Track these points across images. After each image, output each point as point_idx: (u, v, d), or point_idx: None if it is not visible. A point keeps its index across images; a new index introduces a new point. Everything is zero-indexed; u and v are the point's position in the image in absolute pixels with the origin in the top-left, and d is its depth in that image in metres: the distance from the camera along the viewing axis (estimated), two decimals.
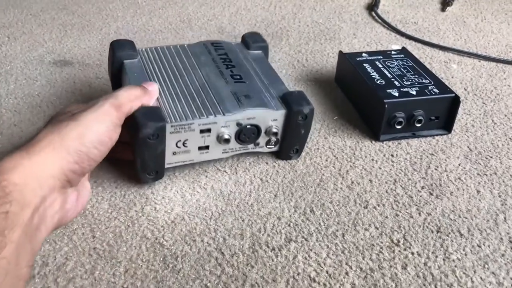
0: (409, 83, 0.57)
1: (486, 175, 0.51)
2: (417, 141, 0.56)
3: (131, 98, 0.43)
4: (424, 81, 0.57)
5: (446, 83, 0.68)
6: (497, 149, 0.55)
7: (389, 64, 0.61)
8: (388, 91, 0.55)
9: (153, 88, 0.47)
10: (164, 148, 0.45)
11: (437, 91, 0.56)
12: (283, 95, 0.49)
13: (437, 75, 0.60)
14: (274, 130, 0.48)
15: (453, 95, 0.55)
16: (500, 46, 0.79)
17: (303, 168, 0.51)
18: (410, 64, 0.61)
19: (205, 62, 0.53)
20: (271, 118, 0.48)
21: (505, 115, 0.61)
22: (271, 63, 0.58)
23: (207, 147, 0.47)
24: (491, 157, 0.54)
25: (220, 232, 0.43)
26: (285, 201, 0.47)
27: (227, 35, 0.79)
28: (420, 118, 0.55)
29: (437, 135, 0.57)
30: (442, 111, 0.56)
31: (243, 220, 0.45)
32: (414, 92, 0.55)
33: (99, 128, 0.39)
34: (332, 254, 0.42)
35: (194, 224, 0.44)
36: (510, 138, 0.57)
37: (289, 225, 0.44)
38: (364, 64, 0.61)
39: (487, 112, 0.62)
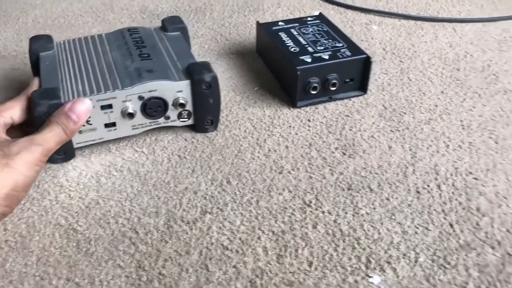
0: (322, 48, 0.58)
1: (399, 130, 0.53)
2: (333, 104, 0.57)
3: (58, 143, 0.43)
4: (337, 45, 0.58)
5: (366, 44, 0.69)
6: (411, 105, 0.57)
7: (304, 31, 0.62)
8: (301, 57, 0.56)
9: (80, 111, 0.45)
10: None
11: (349, 54, 0.57)
12: (187, 67, 0.50)
13: (354, 38, 0.61)
14: (181, 102, 0.49)
15: (365, 56, 0.56)
16: (420, 4, 0.80)
17: (221, 141, 0.52)
18: (325, 29, 0.62)
19: (117, 47, 0.54)
20: (176, 89, 0.49)
21: (421, 71, 0.63)
22: (193, 39, 0.59)
23: (113, 124, 0.48)
24: (405, 113, 0.56)
25: (135, 212, 0.44)
26: (202, 175, 0.48)
27: (149, 14, 0.78)
28: (334, 81, 0.56)
29: (353, 96, 0.58)
30: (356, 73, 0.57)
31: (159, 198, 0.45)
32: (326, 57, 0.56)
33: (30, 174, 0.40)
34: (246, 221, 0.43)
35: (109, 207, 0.44)
36: (423, 93, 0.59)
37: (205, 198, 0.45)
38: (280, 33, 0.62)
39: (404, 70, 0.64)
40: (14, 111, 0.45)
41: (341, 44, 0.58)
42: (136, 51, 0.52)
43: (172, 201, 0.45)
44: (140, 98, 0.48)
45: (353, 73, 0.57)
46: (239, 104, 0.58)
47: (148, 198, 0.45)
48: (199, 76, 0.49)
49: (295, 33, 0.61)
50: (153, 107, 0.49)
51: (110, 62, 0.51)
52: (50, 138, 0.42)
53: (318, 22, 0.64)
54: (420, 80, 0.62)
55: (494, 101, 0.57)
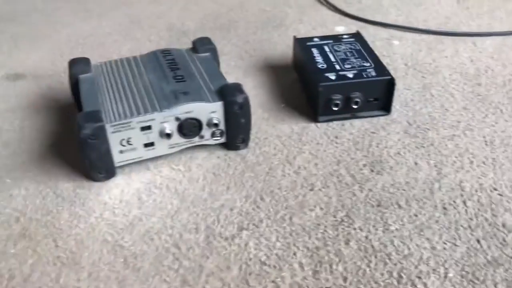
0: (349, 66, 0.60)
1: (424, 147, 0.55)
2: (359, 122, 0.59)
3: None
4: (365, 64, 0.60)
5: (388, 60, 0.71)
6: (434, 121, 0.59)
7: (336, 48, 0.63)
8: (326, 74, 0.58)
9: None
10: (108, 147, 0.49)
11: (374, 74, 0.58)
12: (219, 88, 0.52)
13: (380, 55, 0.62)
14: (215, 122, 0.52)
15: (389, 77, 0.58)
16: (440, 18, 0.82)
17: (253, 158, 0.54)
18: (357, 48, 0.63)
19: (152, 69, 0.57)
20: (209, 110, 0.51)
21: (442, 87, 0.65)
22: (220, 57, 0.62)
23: (152, 144, 0.51)
24: (429, 129, 0.58)
25: (176, 228, 0.46)
26: (237, 192, 0.50)
27: (177, 31, 0.81)
28: (357, 100, 0.58)
29: (376, 116, 0.60)
30: (380, 93, 0.59)
31: (197, 215, 0.48)
32: (351, 75, 0.58)
33: None
34: (281, 238, 0.45)
35: (152, 223, 0.47)
36: (446, 109, 0.61)
37: (240, 214, 0.48)
38: (313, 49, 0.63)
39: (426, 85, 0.65)
40: None
41: (368, 64, 0.60)
42: (171, 73, 0.55)
43: (210, 218, 0.47)
44: (177, 119, 0.50)
45: (376, 93, 0.59)
46: (267, 121, 0.60)
47: (188, 214, 0.48)
48: (232, 98, 0.51)
49: (327, 49, 0.63)
50: (189, 127, 0.52)
51: (147, 84, 0.54)
52: None
53: (352, 41, 0.65)
54: (442, 95, 0.63)
55: None
